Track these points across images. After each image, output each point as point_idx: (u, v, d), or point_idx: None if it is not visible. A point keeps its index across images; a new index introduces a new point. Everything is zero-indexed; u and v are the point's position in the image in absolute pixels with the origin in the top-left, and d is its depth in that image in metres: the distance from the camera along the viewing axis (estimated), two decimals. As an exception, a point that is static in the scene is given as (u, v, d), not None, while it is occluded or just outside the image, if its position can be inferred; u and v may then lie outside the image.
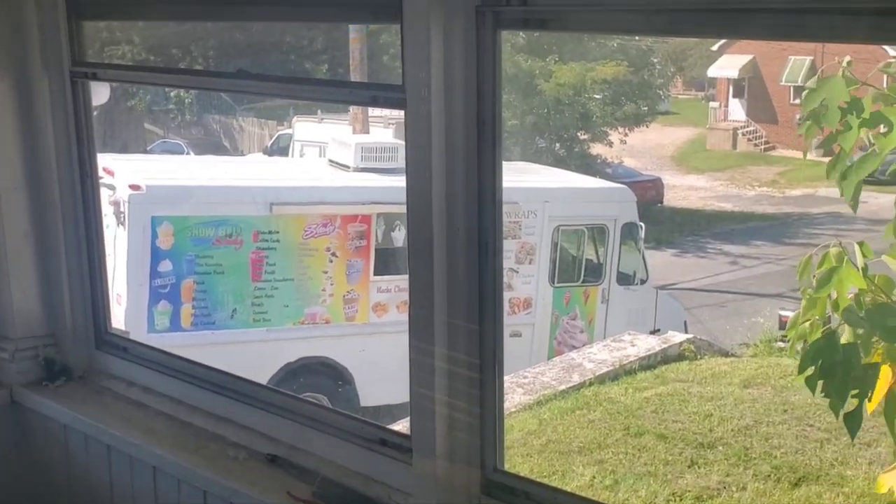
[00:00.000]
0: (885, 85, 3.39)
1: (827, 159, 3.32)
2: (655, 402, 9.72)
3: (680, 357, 11.31)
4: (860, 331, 3.03)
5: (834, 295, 3.10)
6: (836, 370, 2.97)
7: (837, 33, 1.97)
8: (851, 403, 3.00)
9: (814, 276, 3.17)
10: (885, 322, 2.94)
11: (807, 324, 3.19)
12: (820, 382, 3.04)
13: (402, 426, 6.69)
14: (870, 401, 2.99)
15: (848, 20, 1.81)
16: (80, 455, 3.29)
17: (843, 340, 3.04)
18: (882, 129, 3.09)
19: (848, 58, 3.24)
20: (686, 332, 13.26)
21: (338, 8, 2.88)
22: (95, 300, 3.46)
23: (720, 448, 8.66)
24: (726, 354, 12.26)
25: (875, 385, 3.00)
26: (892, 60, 3.44)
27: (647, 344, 11.56)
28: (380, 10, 2.62)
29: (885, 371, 3.01)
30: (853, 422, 3.00)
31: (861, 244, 3.16)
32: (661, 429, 9.05)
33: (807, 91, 3.16)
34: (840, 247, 3.19)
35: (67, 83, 3.30)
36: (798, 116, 3.36)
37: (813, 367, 3.02)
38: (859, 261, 3.13)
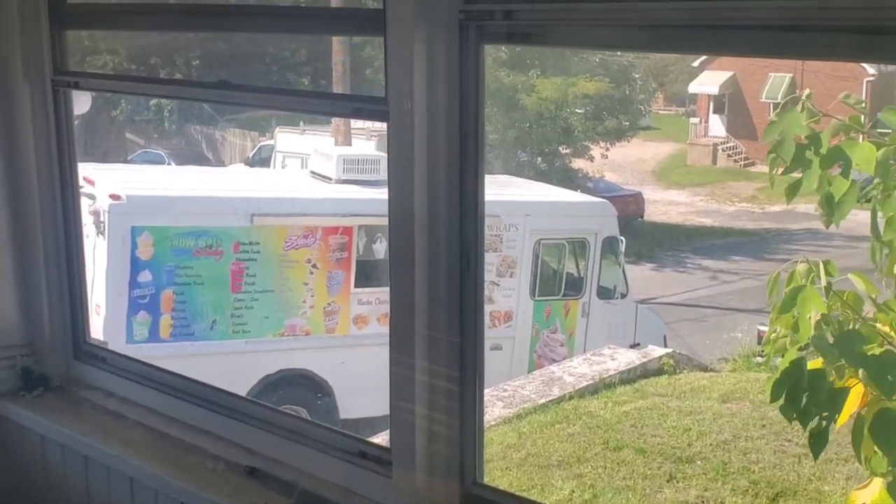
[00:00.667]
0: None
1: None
2: (635, 416, 9.74)
3: (659, 371, 11.34)
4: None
5: (796, 315, 3.12)
6: (800, 397, 3.00)
7: (817, 51, 1.99)
8: (818, 426, 3.03)
9: (782, 294, 3.20)
10: (853, 349, 2.95)
11: (786, 339, 3.21)
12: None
13: (381, 439, 6.68)
14: (835, 421, 3.02)
15: (827, 38, 1.83)
16: (58, 466, 3.26)
17: (811, 365, 3.06)
18: (838, 168, 3.13)
19: (808, 90, 3.29)
20: (666, 346, 13.30)
21: (322, 20, 2.89)
22: (74, 310, 3.44)
23: (699, 462, 8.69)
24: (705, 369, 12.31)
25: (841, 410, 3.02)
26: (851, 93, 3.48)
27: (626, 358, 11.59)
28: (364, 23, 2.63)
29: (855, 394, 3.03)
30: (818, 443, 3.02)
31: (827, 263, 3.19)
32: (640, 443, 9.07)
33: (768, 124, 3.22)
34: (808, 263, 3.21)
35: (49, 92, 3.29)
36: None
37: (781, 395, 3.05)
38: (823, 279, 3.15)
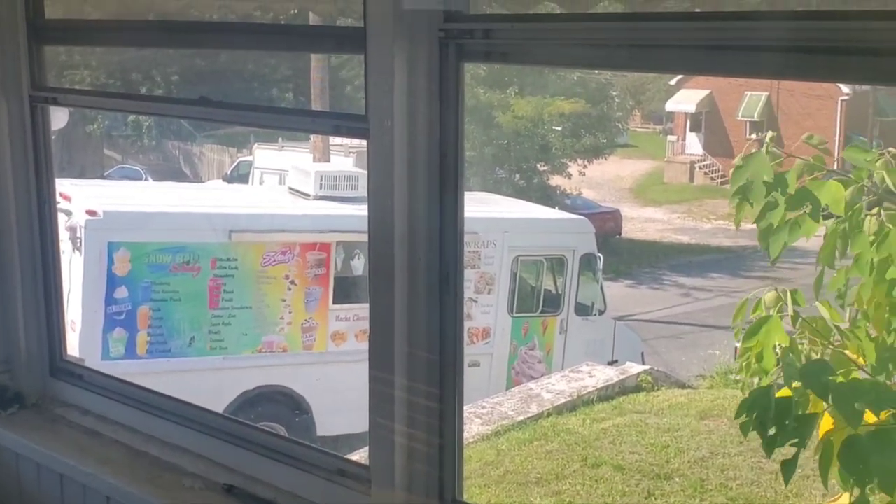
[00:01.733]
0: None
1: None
2: (613, 433, 9.76)
3: (637, 388, 11.37)
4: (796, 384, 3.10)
5: (761, 349, 3.17)
6: (768, 424, 3.04)
7: (793, 71, 2.01)
8: (788, 452, 3.06)
9: (747, 322, 3.24)
10: (819, 379, 2.98)
11: (760, 363, 3.24)
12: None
13: (359, 456, 6.65)
14: (804, 446, 3.05)
15: (803, 58, 1.85)
16: (33, 484, 3.23)
17: (783, 392, 3.10)
18: (807, 207, 3.18)
19: (771, 133, 3.35)
20: (643, 363, 13.34)
21: (301, 37, 2.89)
22: (51, 327, 3.42)
23: (677, 479, 8.70)
24: (683, 386, 12.35)
25: (811, 434, 3.06)
26: (813, 134, 3.54)
27: (604, 375, 11.62)
28: (344, 40, 2.63)
29: (825, 421, 3.07)
30: (788, 469, 3.05)
31: (794, 292, 3.23)
32: (619, 460, 9.08)
33: (734, 168, 3.27)
34: (776, 291, 3.25)
35: (27, 108, 3.27)
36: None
37: (747, 416, 3.09)
38: (790, 310, 3.19)
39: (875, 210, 3.26)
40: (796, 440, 3.04)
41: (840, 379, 3.00)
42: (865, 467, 2.89)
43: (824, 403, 3.04)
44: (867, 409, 2.96)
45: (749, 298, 3.34)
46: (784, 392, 3.10)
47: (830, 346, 3.22)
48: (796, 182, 3.24)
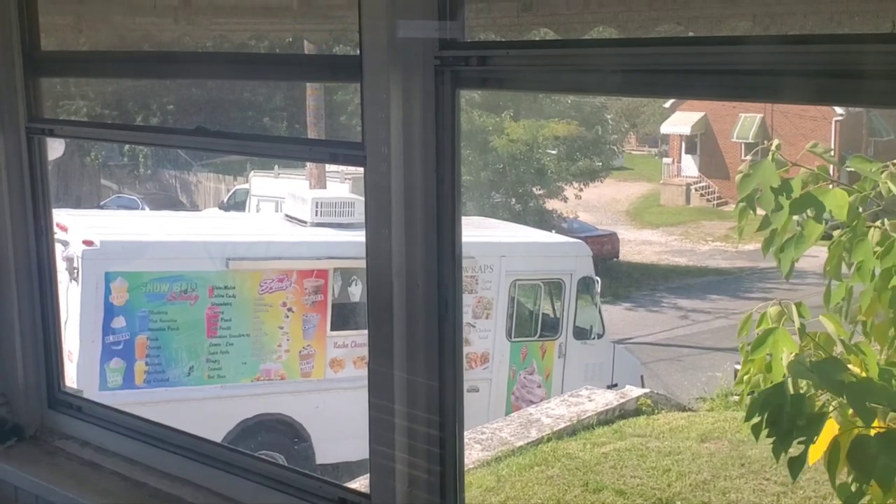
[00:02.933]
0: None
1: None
2: (614, 457, 9.72)
3: (637, 412, 11.34)
4: (806, 383, 3.13)
5: (769, 357, 3.19)
6: (783, 420, 3.06)
7: (787, 95, 2.02)
8: (797, 449, 3.09)
9: (754, 334, 3.27)
10: (833, 376, 3.02)
11: (759, 376, 3.26)
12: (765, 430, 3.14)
13: (360, 484, 6.62)
14: (813, 443, 3.09)
15: (797, 82, 1.87)
16: (31, 517, 3.21)
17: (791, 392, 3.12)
18: (810, 212, 3.23)
19: (777, 141, 3.39)
20: (643, 386, 13.31)
21: (298, 67, 2.91)
22: (49, 358, 3.41)
23: (678, 503, 8.66)
24: (683, 409, 12.32)
25: (819, 433, 3.09)
26: (818, 142, 3.59)
27: (604, 399, 11.58)
28: (340, 70, 2.65)
29: (832, 422, 3.10)
30: (796, 465, 3.09)
31: (799, 305, 3.26)
32: (620, 484, 9.04)
33: (741, 176, 3.31)
34: (780, 306, 3.28)
35: (23, 139, 3.28)
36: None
37: (759, 416, 3.11)
38: (796, 321, 3.22)
39: (879, 220, 3.30)
40: (804, 438, 3.07)
41: (852, 378, 3.03)
42: (871, 467, 2.94)
43: (830, 405, 3.08)
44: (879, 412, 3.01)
45: (752, 314, 3.36)
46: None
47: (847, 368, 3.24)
48: (801, 190, 3.29)
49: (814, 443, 3.08)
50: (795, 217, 3.29)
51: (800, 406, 3.06)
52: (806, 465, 3.09)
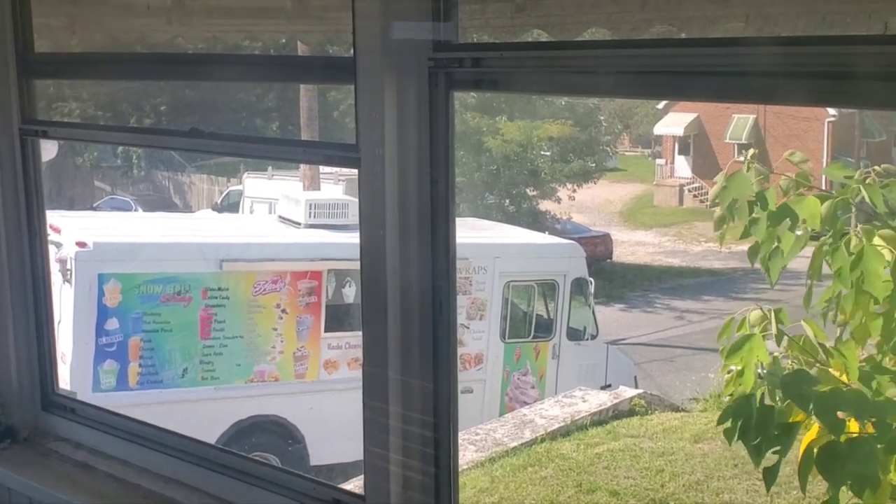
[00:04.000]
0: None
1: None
2: (607, 457, 9.73)
3: (631, 412, 11.35)
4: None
5: (741, 366, 3.23)
6: (750, 432, 3.09)
7: (779, 96, 2.03)
8: (770, 459, 3.12)
9: (736, 338, 3.30)
10: (799, 389, 3.06)
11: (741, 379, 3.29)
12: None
13: (354, 485, 6.62)
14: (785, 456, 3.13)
15: (790, 83, 1.87)
16: (24, 520, 3.21)
17: (766, 402, 3.16)
18: (788, 223, 3.28)
19: (753, 150, 3.45)
20: (636, 387, 13.32)
21: (291, 68, 2.91)
22: (42, 360, 3.40)
23: (672, 503, 8.67)
24: (676, 409, 12.33)
25: (793, 442, 3.13)
26: (795, 151, 3.64)
27: (598, 399, 11.59)
28: (334, 71, 2.65)
29: (811, 430, 3.13)
30: (770, 476, 3.11)
31: (778, 311, 3.29)
32: (614, 485, 9.05)
33: (719, 189, 3.37)
34: (761, 311, 3.31)
35: (17, 141, 3.28)
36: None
37: (730, 422, 3.14)
38: (774, 329, 3.25)
39: (857, 227, 3.33)
40: (778, 448, 3.10)
41: (822, 388, 3.06)
42: (842, 472, 2.97)
43: (805, 414, 3.11)
44: (851, 419, 3.04)
45: (735, 317, 3.39)
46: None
47: (816, 364, 3.26)
48: (779, 199, 3.33)
49: (786, 454, 3.12)
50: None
51: (768, 418, 3.10)
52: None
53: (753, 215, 3.31)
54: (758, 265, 3.42)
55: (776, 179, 3.44)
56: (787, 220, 3.29)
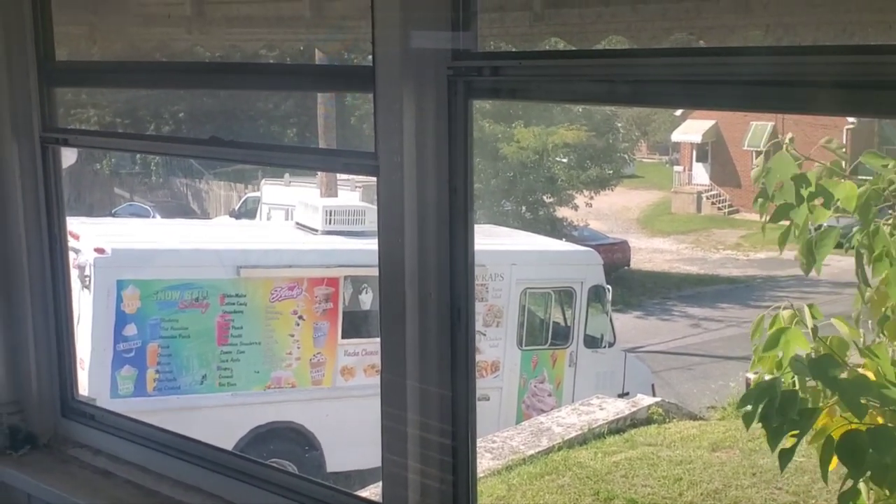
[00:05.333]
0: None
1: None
2: (625, 466, 9.70)
3: (648, 420, 11.31)
4: (806, 379, 3.17)
5: (780, 354, 3.23)
6: (772, 415, 3.10)
7: (798, 105, 2.02)
8: (788, 442, 3.13)
9: (765, 337, 3.30)
10: (827, 372, 3.08)
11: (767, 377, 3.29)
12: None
13: (370, 492, 6.62)
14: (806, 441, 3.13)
15: (807, 92, 1.87)
16: (44, 525, 3.22)
17: (788, 387, 3.17)
18: (819, 201, 3.28)
19: (790, 134, 3.44)
20: (654, 395, 13.27)
21: (312, 77, 2.92)
22: (62, 367, 3.42)
23: (690, 512, 8.64)
24: (694, 418, 12.28)
25: (810, 427, 3.13)
26: (832, 138, 3.64)
27: (615, 407, 11.56)
28: (353, 80, 2.66)
29: (828, 416, 3.14)
30: (785, 458, 3.12)
31: (811, 307, 3.29)
32: (631, 493, 9.01)
33: (763, 171, 3.35)
34: (792, 309, 3.31)
35: (38, 149, 3.30)
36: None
37: (751, 406, 3.14)
38: (808, 323, 3.25)
39: (889, 215, 3.35)
40: (797, 432, 3.11)
41: (848, 376, 3.08)
42: (861, 461, 2.98)
43: (827, 400, 3.11)
44: (874, 409, 3.06)
45: (765, 315, 3.39)
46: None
47: (846, 365, 3.26)
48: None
49: (802, 438, 3.13)
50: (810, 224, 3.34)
51: (791, 402, 3.10)
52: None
53: (799, 193, 3.30)
54: (781, 265, 3.42)
55: (808, 168, 3.45)
56: (821, 197, 3.30)
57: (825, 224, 3.37)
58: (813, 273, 3.53)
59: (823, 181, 3.35)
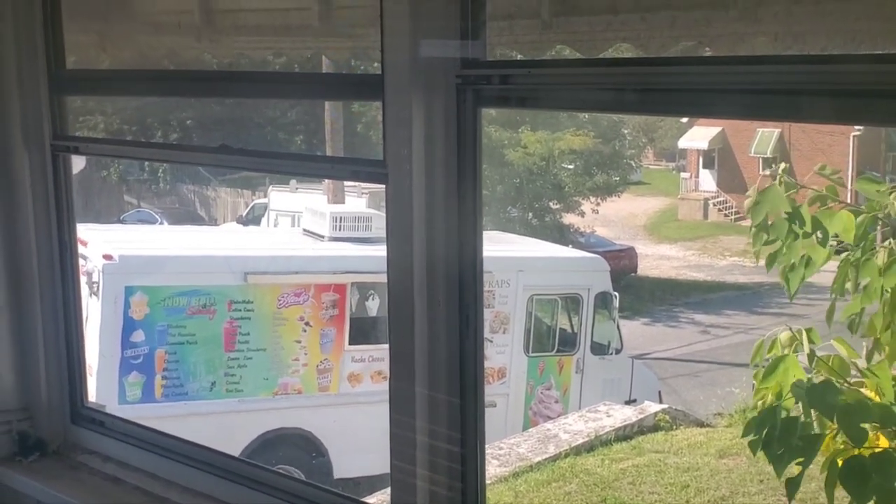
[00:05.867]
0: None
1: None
2: (632, 473, 9.68)
3: (655, 427, 11.29)
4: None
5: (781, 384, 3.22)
6: (773, 443, 3.10)
7: (804, 114, 2.03)
8: (794, 470, 3.12)
9: (765, 361, 3.29)
10: (824, 399, 3.05)
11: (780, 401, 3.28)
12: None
13: (377, 499, 6.62)
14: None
15: (814, 101, 1.87)
16: (53, 532, 3.23)
17: (791, 413, 3.15)
18: (817, 235, 3.26)
19: (784, 164, 3.42)
20: (661, 402, 13.24)
21: (320, 85, 2.93)
22: (72, 373, 3.44)
23: (697, 519, 8.62)
24: (701, 425, 12.26)
25: (816, 453, 3.12)
26: (825, 164, 3.63)
27: (622, 414, 11.54)
28: (362, 88, 2.67)
29: (832, 441, 3.13)
30: (792, 486, 3.11)
31: (809, 330, 3.27)
32: (638, 500, 9.00)
33: (752, 204, 3.35)
34: (791, 332, 3.30)
35: (48, 157, 3.32)
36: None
37: (755, 435, 3.13)
38: (805, 348, 3.23)
39: (888, 242, 3.31)
40: (801, 459, 3.09)
41: (847, 399, 3.05)
42: (865, 487, 2.96)
43: (833, 425, 3.10)
44: (879, 433, 3.03)
45: (765, 339, 3.38)
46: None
47: (847, 384, 3.25)
48: (809, 213, 3.33)
49: (808, 465, 3.11)
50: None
51: (791, 429, 3.09)
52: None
53: (792, 230, 3.29)
54: (776, 273, 3.42)
55: (804, 195, 3.43)
56: (819, 232, 3.28)
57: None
58: (820, 279, 3.54)
59: (819, 213, 3.33)
